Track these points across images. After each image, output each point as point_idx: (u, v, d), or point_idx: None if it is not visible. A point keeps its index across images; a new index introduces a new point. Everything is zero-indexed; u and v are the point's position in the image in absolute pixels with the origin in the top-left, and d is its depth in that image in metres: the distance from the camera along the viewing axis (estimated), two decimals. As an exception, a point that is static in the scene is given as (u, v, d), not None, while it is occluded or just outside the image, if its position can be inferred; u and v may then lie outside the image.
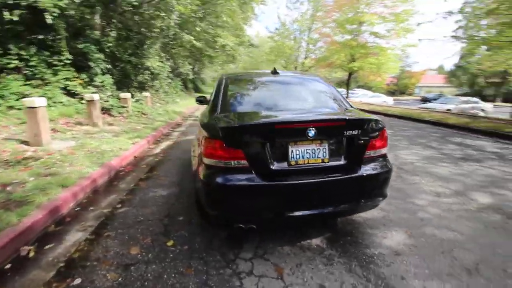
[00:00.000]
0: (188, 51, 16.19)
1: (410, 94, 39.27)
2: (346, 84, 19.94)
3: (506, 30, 7.91)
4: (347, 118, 2.07)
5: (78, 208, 2.83)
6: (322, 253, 2.11)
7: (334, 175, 1.98)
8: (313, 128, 1.89)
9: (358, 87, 42.99)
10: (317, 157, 1.97)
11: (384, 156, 2.21)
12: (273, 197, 1.92)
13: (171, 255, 2.06)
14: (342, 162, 2.02)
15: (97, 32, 8.33)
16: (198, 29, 11.74)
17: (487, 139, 7.11)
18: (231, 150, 1.88)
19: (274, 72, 2.94)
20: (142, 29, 9.89)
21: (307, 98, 2.65)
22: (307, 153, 1.95)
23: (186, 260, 2.00)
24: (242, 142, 1.89)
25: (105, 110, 7.42)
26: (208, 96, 3.63)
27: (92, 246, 2.18)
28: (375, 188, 2.12)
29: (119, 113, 7.77)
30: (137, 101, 9.63)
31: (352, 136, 2.01)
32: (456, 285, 1.79)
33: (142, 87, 10.72)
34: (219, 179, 1.88)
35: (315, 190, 1.95)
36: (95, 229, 2.44)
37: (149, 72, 10.73)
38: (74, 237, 2.31)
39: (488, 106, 16.11)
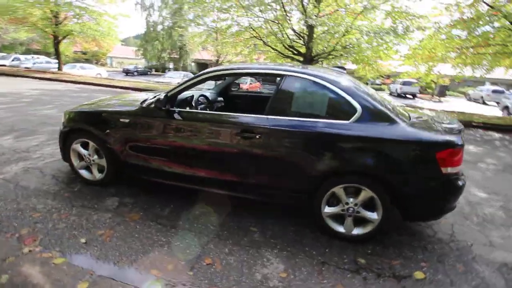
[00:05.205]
0: None
1: (103, 65, 37.02)
2: (56, 50, 15.33)
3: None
4: None
5: None
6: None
7: None
8: None
9: (35, 53, 33.33)
10: None
11: None
12: None
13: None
14: None
15: None
16: None
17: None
18: (461, 154, 2.06)
19: (343, 68, 3.06)
20: None
21: None
22: None
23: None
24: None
25: None
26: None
27: None
28: None
29: None
30: None
31: None
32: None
33: None
34: (463, 181, 2.10)
35: None
36: None
37: None
38: None
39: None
